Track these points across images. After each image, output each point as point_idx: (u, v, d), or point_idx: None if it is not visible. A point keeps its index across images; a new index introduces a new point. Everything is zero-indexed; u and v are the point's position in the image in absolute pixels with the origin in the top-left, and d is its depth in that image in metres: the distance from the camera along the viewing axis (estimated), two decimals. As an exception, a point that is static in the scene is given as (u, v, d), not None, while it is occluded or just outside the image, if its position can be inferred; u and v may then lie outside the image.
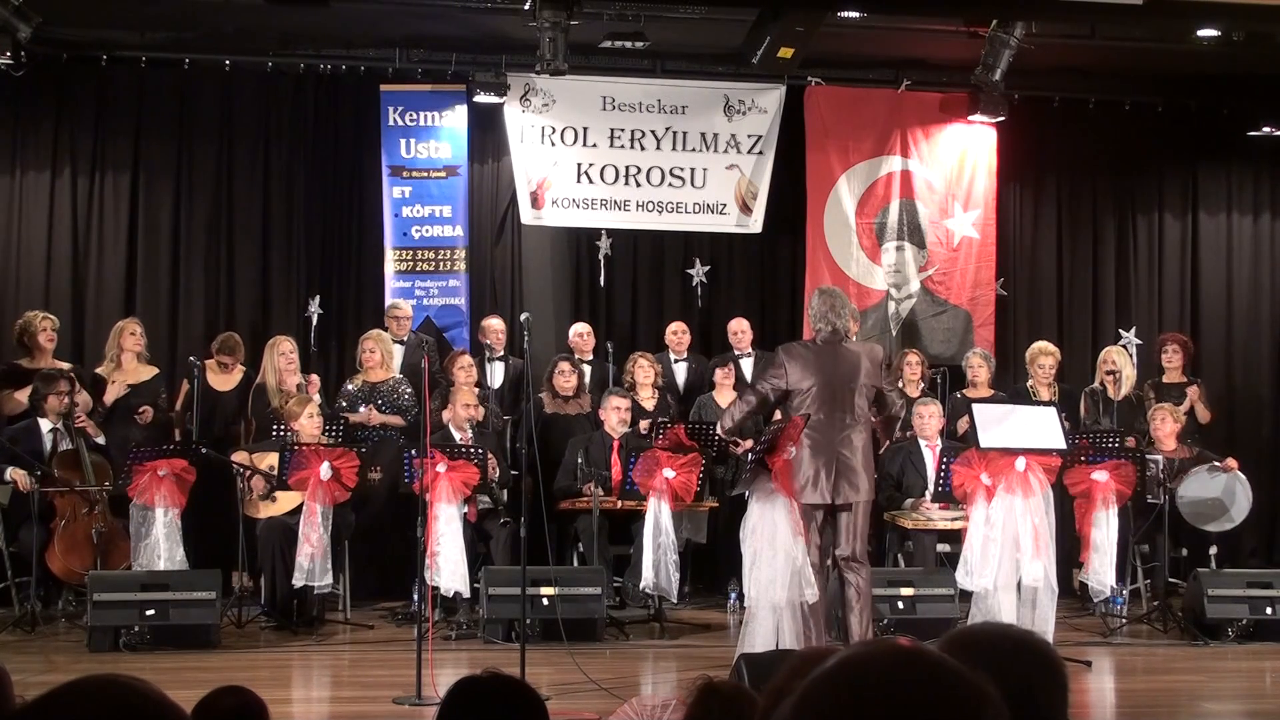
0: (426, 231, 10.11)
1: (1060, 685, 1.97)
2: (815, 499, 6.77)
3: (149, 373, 9.06)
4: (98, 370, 9.01)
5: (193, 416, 8.92)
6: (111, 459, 8.46)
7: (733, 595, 8.85)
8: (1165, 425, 9.06)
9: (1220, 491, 8.87)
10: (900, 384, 9.48)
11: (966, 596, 7.62)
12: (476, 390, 9.11)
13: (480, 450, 8.26)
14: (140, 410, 8.82)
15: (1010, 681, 1.69)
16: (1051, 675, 1.97)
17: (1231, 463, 8.95)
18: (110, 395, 8.80)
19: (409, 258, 10.08)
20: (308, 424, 8.30)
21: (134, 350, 8.97)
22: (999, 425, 7.56)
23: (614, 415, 8.99)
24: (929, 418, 8.86)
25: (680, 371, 10.05)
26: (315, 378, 9.25)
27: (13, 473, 8.18)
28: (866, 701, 1.35)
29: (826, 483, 6.75)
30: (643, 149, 10.27)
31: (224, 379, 9.18)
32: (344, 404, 9.12)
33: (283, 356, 9.01)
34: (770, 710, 1.61)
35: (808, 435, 6.79)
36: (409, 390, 9.14)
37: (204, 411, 8.97)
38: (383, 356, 9.19)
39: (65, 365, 8.90)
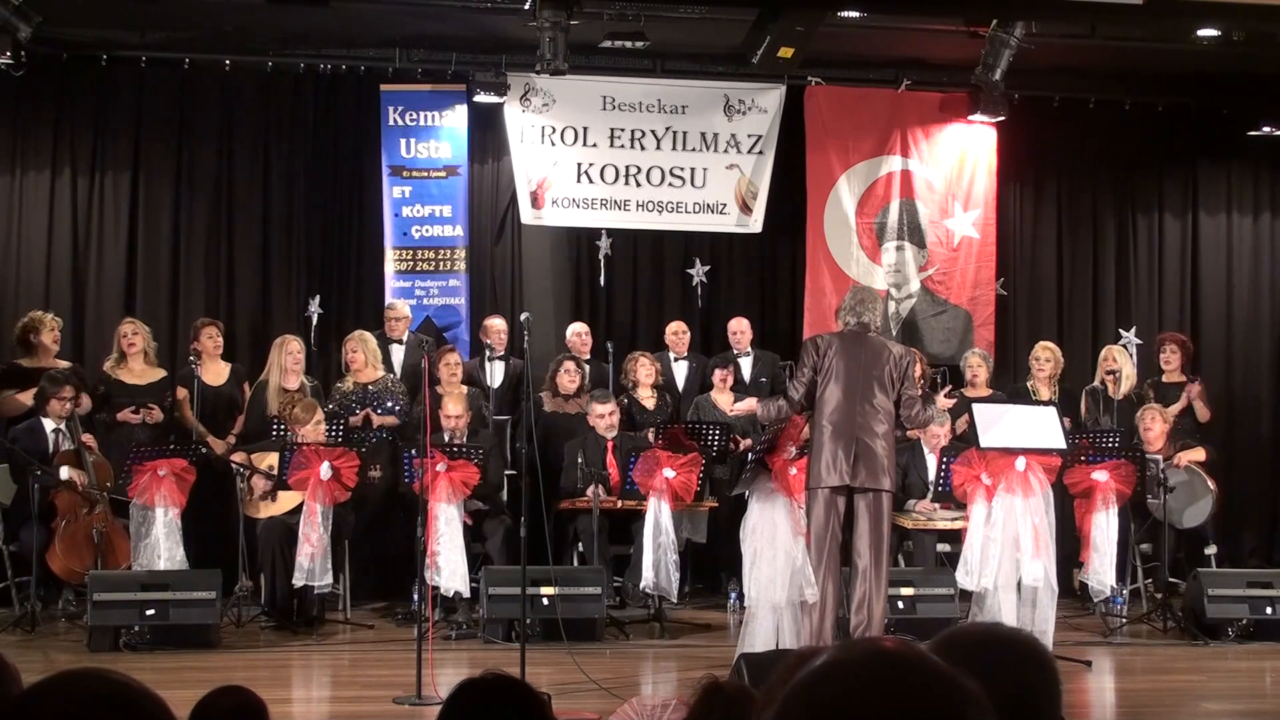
0: (426, 231, 10.11)
1: (1052, 684, 1.96)
2: (834, 480, 6.74)
3: (156, 375, 9.05)
4: (105, 367, 9.01)
5: (195, 409, 8.95)
6: (111, 461, 8.46)
7: (733, 595, 8.85)
8: (1155, 426, 9.07)
9: (1186, 488, 8.92)
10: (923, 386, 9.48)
11: (966, 596, 7.63)
12: (467, 391, 9.11)
13: (480, 450, 8.27)
14: (140, 408, 8.80)
15: (1002, 681, 1.68)
16: (1043, 674, 1.96)
17: (1180, 458, 8.98)
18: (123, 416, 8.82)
19: (409, 257, 10.08)
20: (312, 431, 8.28)
21: (135, 350, 8.95)
22: (999, 425, 7.56)
23: (600, 422, 8.96)
24: (943, 437, 8.84)
25: (680, 371, 10.04)
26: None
27: (71, 471, 8.21)
28: (849, 704, 1.34)
29: (846, 465, 6.73)
30: (643, 149, 10.27)
31: (216, 371, 9.17)
32: (332, 406, 9.08)
33: (290, 356, 9.00)
34: (763, 711, 1.61)
35: (828, 420, 6.78)
36: (401, 391, 9.14)
37: (205, 409, 8.98)
38: (366, 357, 9.12)
39: (64, 364, 8.89)
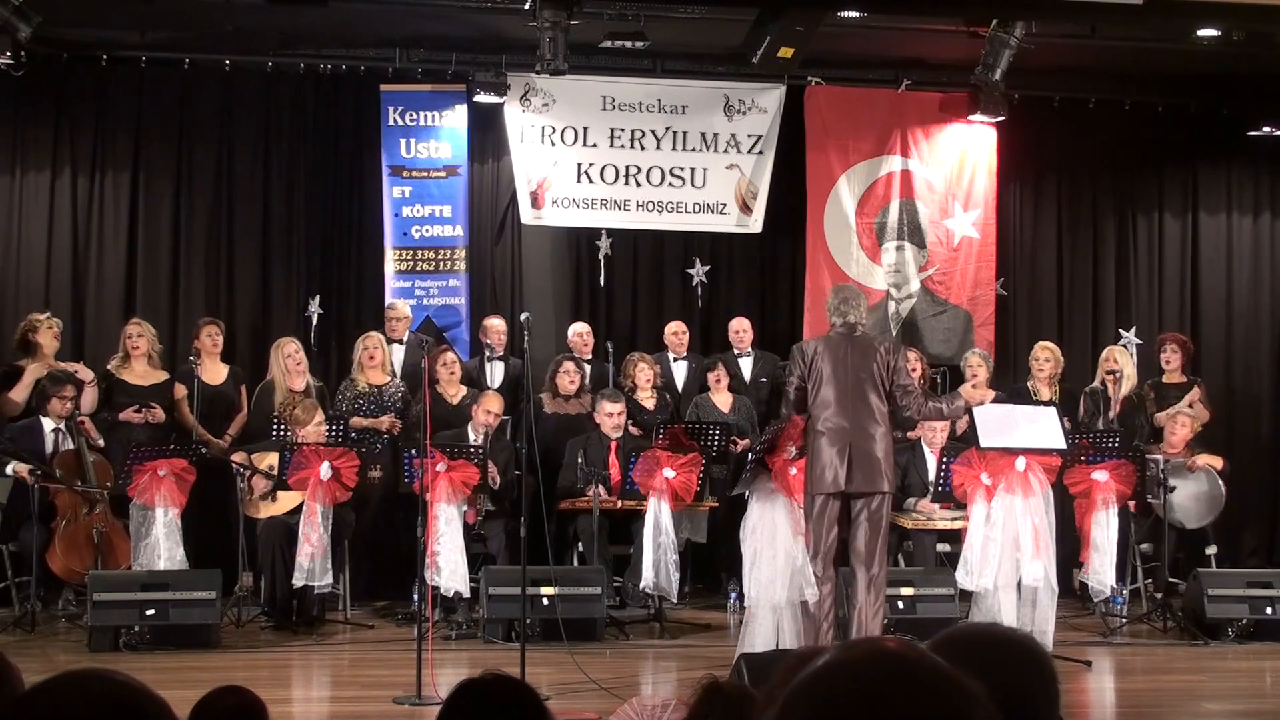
0: (426, 231, 10.11)
1: (1050, 684, 1.96)
2: (831, 488, 6.75)
3: (159, 377, 9.06)
4: (109, 366, 9.01)
5: (193, 408, 8.94)
6: (111, 460, 8.46)
7: (733, 595, 8.85)
8: (1182, 430, 9.10)
9: (1204, 488, 8.93)
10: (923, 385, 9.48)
11: (966, 596, 7.63)
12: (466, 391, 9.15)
13: (481, 450, 8.27)
14: (143, 407, 8.81)
15: (1000, 681, 1.69)
16: (1041, 674, 1.96)
17: (1197, 461, 8.99)
18: (87, 401, 8.77)
19: (409, 257, 10.08)
20: (313, 431, 8.29)
21: (140, 352, 8.95)
22: (999, 425, 7.56)
23: (607, 421, 8.97)
24: (940, 432, 8.84)
25: (680, 371, 10.04)
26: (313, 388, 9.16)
27: (15, 467, 8.19)
28: (851, 704, 1.34)
29: (841, 470, 6.73)
30: (643, 149, 10.27)
31: (214, 371, 9.17)
32: (347, 406, 9.09)
33: (289, 358, 9.01)
34: (765, 711, 1.61)
35: (822, 425, 6.78)
36: (405, 392, 9.16)
37: (203, 408, 8.98)
38: (383, 358, 9.20)
39: (70, 366, 8.88)
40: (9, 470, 8.20)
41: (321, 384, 9.28)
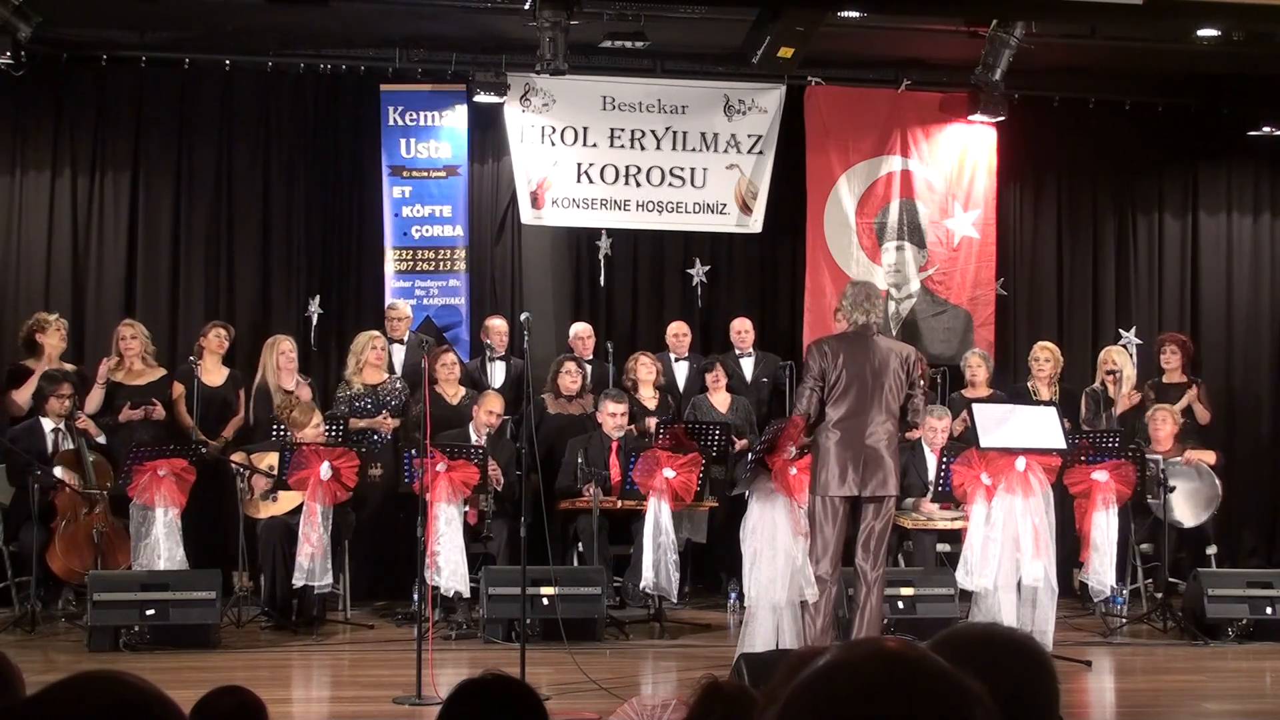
0: (426, 231, 10.11)
1: (1050, 684, 1.96)
2: (843, 491, 6.75)
3: (155, 374, 9.06)
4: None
5: (193, 411, 8.93)
6: (114, 458, 8.46)
7: (733, 595, 8.86)
8: (1165, 426, 9.08)
9: (1198, 484, 8.93)
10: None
11: (966, 596, 7.63)
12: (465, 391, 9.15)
13: (482, 450, 8.27)
14: (143, 404, 8.81)
15: (999, 681, 1.69)
16: (1041, 674, 1.96)
17: (1191, 456, 8.99)
18: (92, 402, 8.79)
19: (409, 258, 10.08)
20: (312, 433, 8.29)
21: (133, 353, 8.96)
22: (999, 425, 7.56)
23: (610, 420, 8.96)
24: (940, 432, 8.83)
25: (680, 371, 10.04)
26: (306, 388, 9.15)
27: (66, 472, 8.22)
28: (853, 705, 1.34)
29: (855, 475, 6.74)
30: (643, 149, 10.27)
31: (216, 374, 9.17)
32: (345, 408, 9.09)
33: (283, 356, 9.03)
34: (765, 711, 1.61)
35: (836, 427, 6.78)
36: (405, 391, 9.17)
37: (202, 408, 8.98)
38: (387, 358, 9.22)
39: (70, 367, 8.89)
40: (58, 474, 8.21)
41: (310, 380, 9.27)
